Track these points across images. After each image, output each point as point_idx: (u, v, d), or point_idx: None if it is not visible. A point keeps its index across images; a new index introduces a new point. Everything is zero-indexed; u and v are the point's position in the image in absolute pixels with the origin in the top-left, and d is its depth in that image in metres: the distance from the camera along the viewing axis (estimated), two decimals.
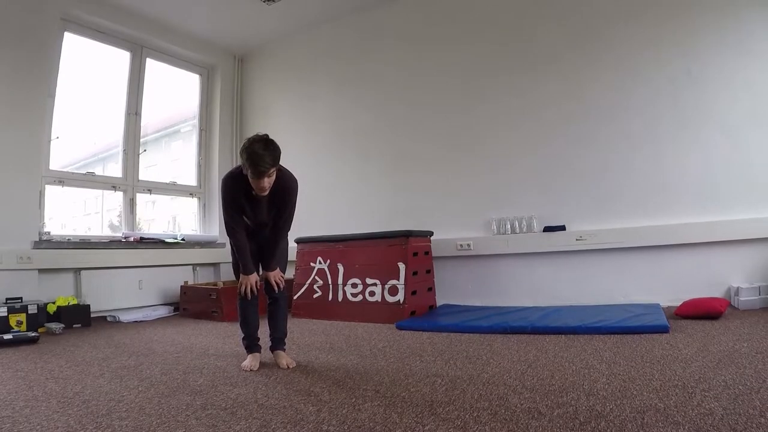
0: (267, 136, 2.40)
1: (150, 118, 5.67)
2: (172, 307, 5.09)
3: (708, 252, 3.83)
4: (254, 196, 2.49)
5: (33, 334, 3.54)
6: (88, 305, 4.39)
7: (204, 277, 5.70)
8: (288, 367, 2.58)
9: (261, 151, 2.30)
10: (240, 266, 2.65)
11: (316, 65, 5.86)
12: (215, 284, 5.00)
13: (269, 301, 2.77)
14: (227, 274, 5.78)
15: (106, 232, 5.32)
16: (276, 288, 2.68)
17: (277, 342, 2.73)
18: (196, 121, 6.26)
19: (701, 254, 3.85)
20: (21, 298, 4.01)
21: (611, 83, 4.23)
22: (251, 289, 2.65)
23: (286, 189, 2.56)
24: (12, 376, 2.55)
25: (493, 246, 4.56)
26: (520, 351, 2.73)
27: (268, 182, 2.38)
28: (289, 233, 2.78)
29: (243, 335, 2.73)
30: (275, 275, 2.67)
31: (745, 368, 2.08)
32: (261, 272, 2.75)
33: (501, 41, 4.71)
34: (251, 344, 2.71)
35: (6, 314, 3.79)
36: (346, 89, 5.62)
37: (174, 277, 5.24)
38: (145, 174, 5.53)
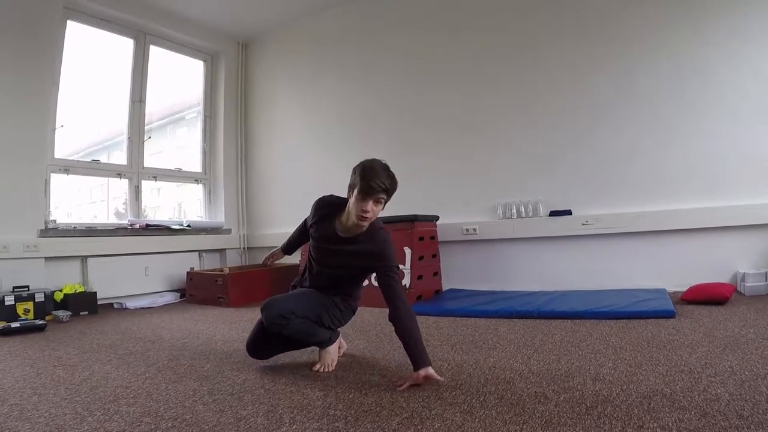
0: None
1: (154, 105, 5.65)
2: (179, 294, 5.11)
3: (714, 237, 3.81)
4: (338, 236, 2.17)
5: (40, 322, 3.57)
6: (95, 293, 4.41)
7: (210, 264, 5.71)
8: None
9: (379, 168, 1.99)
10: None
11: (321, 51, 5.81)
12: (221, 270, 5.01)
13: None
14: (233, 260, 5.84)
15: (111, 220, 5.33)
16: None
17: None
18: (200, 108, 6.24)
19: (707, 239, 3.83)
20: (28, 286, 4.03)
21: (617, 69, 4.17)
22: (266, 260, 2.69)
23: (376, 241, 2.11)
24: (20, 363, 2.57)
25: (498, 230, 4.55)
26: (526, 335, 2.73)
27: (372, 210, 2.00)
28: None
29: None
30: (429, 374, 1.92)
31: (752, 354, 2.07)
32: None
33: (506, 27, 4.65)
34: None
35: (13, 302, 3.82)
36: (351, 75, 5.57)
37: (180, 263, 5.27)
38: (150, 161, 5.53)
